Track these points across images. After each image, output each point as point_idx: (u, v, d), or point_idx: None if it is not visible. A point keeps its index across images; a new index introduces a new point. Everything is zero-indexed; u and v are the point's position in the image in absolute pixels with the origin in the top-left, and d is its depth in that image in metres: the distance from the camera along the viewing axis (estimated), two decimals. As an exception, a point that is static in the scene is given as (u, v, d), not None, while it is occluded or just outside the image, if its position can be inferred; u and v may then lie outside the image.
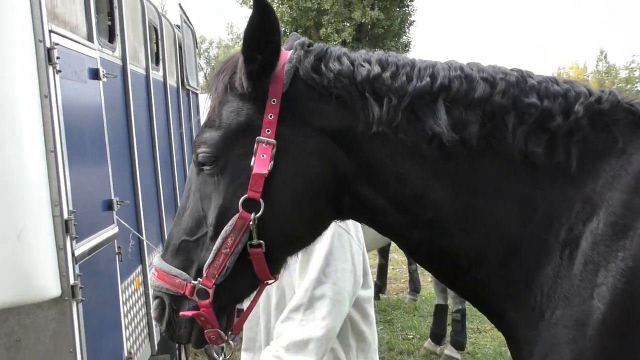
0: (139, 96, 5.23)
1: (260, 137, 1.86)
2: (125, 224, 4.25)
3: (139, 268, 4.84)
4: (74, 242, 3.13)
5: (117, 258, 3.98)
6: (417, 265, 8.74)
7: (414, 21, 34.53)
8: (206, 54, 68.99)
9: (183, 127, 7.30)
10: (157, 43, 6.32)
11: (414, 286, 8.65)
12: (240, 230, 1.85)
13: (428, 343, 6.60)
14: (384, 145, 1.87)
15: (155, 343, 4.99)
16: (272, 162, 1.85)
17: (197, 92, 8.84)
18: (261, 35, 1.85)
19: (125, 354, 4.01)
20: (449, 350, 6.30)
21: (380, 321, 7.66)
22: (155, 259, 2.08)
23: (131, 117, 4.75)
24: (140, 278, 4.84)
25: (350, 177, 1.92)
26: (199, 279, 1.93)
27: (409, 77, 1.88)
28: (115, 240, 3.95)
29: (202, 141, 1.94)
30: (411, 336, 7.18)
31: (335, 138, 1.89)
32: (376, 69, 1.89)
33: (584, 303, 1.68)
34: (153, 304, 2.02)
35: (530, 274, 1.82)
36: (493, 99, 1.83)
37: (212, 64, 68.96)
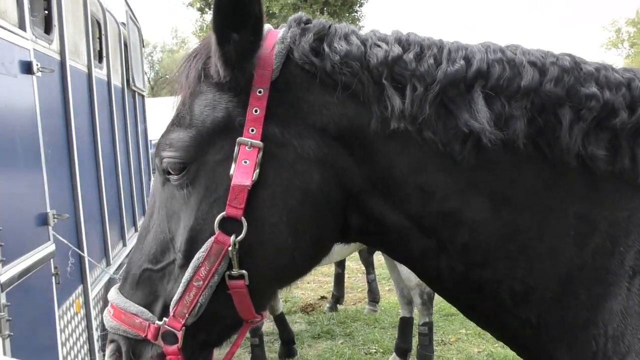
0: (80, 96, 4.72)
1: (242, 138, 1.48)
2: (64, 240, 3.75)
3: (80, 288, 4.32)
4: (-1, 265, 2.63)
5: (53, 280, 3.48)
6: (375, 274, 8.51)
7: (363, 26, 34.57)
8: (150, 57, 67.39)
9: (129, 131, 6.76)
10: (100, 39, 5.80)
11: (373, 296, 8.33)
12: (217, 258, 1.48)
13: (393, 358, 6.27)
14: (405, 147, 1.49)
15: (99, 371, 4.48)
16: (257, 171, 1.47)
17: (144, 94, 8.29)
18: (236, 6, 1.44)
19: (64, 388, 3.51)
20: (415, 365, 5.99)
21: (340, 334, 7.31)
22: (111, 293, 1.67)
23: (70, 119, 4.23)
24: (81, 300, 4.32)
25: (360, 191, 1.54)
26: (164, 318, 1.55)
27: (438, 60, 1.50)
28: (52, 260, 3.46)
29: (168, 143, 1.55)
30: (374, 350, 6.84)
31: (342, 140, 1.51)
32: (396, 50, 1.51)
33: None
34: (108, 349, 1.65)
35: (590, 311, 1.46)
36: (543, 88, 1.47)
37: (156, 69, 67.47)
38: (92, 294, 4.44)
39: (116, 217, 5.74)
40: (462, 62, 1.49)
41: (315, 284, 9.47)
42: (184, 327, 1.53)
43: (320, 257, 1.66)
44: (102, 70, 5.70)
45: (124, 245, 5.95)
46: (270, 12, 30.28)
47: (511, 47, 1.58)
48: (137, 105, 7.65)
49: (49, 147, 3.62)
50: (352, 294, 9.22)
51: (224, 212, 1.48)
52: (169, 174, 1.55)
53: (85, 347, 4.30)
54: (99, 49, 5.80)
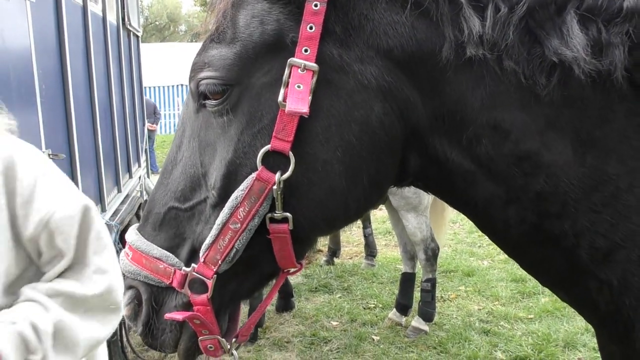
0: (75, 31, 4.40)
1: (295, 59, 1.28)
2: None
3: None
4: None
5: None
6: (372, 227, 8.37)
7: None
8: (140, 1, 65.68)
9: (124, 73, 6.43)
10: (95, -29, 5.42)
11: (370, 250, 8.22)
12: (258, 198, 1.31)
13: (393, 314, 6.17)
14: (480, 79, 1.29)
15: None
16: (310, 98, 1.27)
17: (139, 34, 7.91)
18: None
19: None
20: (416, 321, 5.89)
21: (337, 288, 7.21)
22: (129, 233, 1.48)
23: (66, 55, 3.93)
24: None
25: (424, 128, 1.35)
26: (193, 264, 1.38)
27: None
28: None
29: (207, 62, 1.34)
30: (372, 305, 6.74)
31: (408, 67, 1.30)
32: None
33: None
34: (125, 296, 1.50)
35: None
36: None
37: (146, 14, 65.82)
38: (122, 253, 4.23)
39: (111, 162, 5.49)
40: None
41: (310, 237, 9.34)
42: (215, 275, 1.36)
43: (375, 200, 1.46)
44: (97, 5, 5.34)
45: (119, 191, 5.71)
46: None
47: None
48: (133, 46, 7.29)
49: (43, 81, 3.34)
50: (348, 247, 9.12)
51: (268, 145, 1.30)
52: (206, 98, 1.35)
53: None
54: (93, -18, 5.43)
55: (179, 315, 1.39)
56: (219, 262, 1.35)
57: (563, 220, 1.33)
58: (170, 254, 1.41)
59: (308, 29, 1.29)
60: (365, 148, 1.33)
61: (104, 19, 5.48)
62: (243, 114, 1.34)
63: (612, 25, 1.24)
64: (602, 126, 1.29)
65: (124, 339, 4.47)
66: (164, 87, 25.39)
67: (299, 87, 1.28)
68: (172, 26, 67.09)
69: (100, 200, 4.87)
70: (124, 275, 1.50)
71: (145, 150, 8.11)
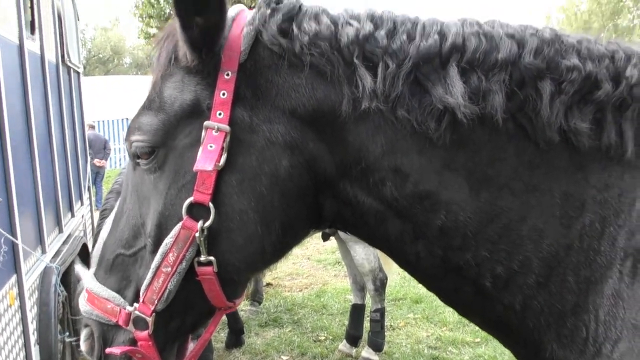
0: (11, 70, 4.31)
1: (209, 122, 1.44)
2: (-4, 227, 3.39)
3: (14, 278, 3.96)
4: None
5: (-16, 270, 3.14)
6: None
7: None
8: (82, 35, 64.76)
9: (64, 109, 6.31)
10: (32, 8, 5.33)
11: (257, 296, 7.42)
12: (185, 244, 1.46)
13: (343, 345, 6.18)
14: (378, 128, 1.43)
15: (35, 368, 4.14)
16: (224, 156, 1.42)
17: (79, 70, 7.80)
18: None
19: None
20: (366, 352, 5.92)
21: (287, 322, 7.19)
22: (86, 277, 1.69)
23: (1, 94, 3.84)
24: (15, 290, 3.97)
25: (332, 175, 1.48)
26: (135, 304, 1.56)
27: (411, 36, 1.44)
28: (-17, 249, 3.10)
29: (137, 127, 1.53)
30: (323, 337, 6.73)
31: (312, 123, 1.45)
32: (367, 28, 1.45)
33: None
34: (82, 333, 1.69)
35: (580, 296, 1.39)
36: (522, 61, 1.39)
37: (89, 47, 64.88)
38: (27, 284, 4.09)
39: (52, 202, 5.35)
40: (437, 36, 1.43)
41: (260, 270, 9.27)
42: (154, 313, 1.52)
43: (291, 245, 1.61)
44: (35, 43, 5.25)
45: (60, 231, 5.56)
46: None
47: (489, 21, 1.52)
48: (73, 82, 7.17)
49: (-22, 124, 3.25)
50: (297, 280, 9.11)
51: (191, 198, 1.45)
52: (139, 157, 1.52)
53: (20, 340, 3.96)
54: (30, 19, 5.34)
55: (117, 350, 1.55)
56: (156, 301, 1.51)
57: (465, 252, 1.45)
58: (117, 295, 1.58)
59: (221, 95, 1.45)
60: (276, 198, 1.47)
61: (42, 56, 5.39)
62: (169, 171, 1.50)
63: (490, 74, 1.39)
64: (494, 164, 1.42)
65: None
66: (111, 120, 25.00)
67: (210, 147, 1.44)
68: (117, 59, 66.33)
69: (40, 241, 4.73)
70: (82, 314, 1.66)
71: (89, 187, 7.94)
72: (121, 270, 1.61)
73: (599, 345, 1.36)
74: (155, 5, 28.32)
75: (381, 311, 5.89)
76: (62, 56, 6.50)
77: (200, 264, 1.49)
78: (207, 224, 1.45)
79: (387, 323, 6.83)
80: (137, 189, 1.59)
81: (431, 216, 1.45)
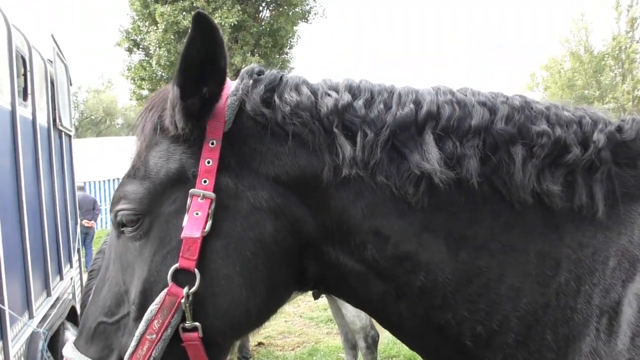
0: (2, 134, 4.39)
1: (195, 190, 1.48)
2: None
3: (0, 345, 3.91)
4: None
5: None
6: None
7: (293, 68, 34.95)
8: (75, 97, 65.48)
9: (55, 172, 6.37)
10: (25, 75, 5.47)
11: (243, 351, 7.45)
12: (170, 310, 1.46)
13: (336, 405, 6.07)
14: (358, 193, 1.48)
15: None
16: (210, 222, 1.45)
17: (71, 134, 7.90)
18: (205, 61, 1.44)
19: None
20: (360, 412, 5.81)
21: (280, 382, 7.04)
22: (66, 348, 1.66)
23: (-8, 160, 3.90)
24: (1, 358, 3.91)
25: (315, 239, 1.52)
26: None
27: (388, 105, 1.51)
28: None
29: (123, 195, 1.55)
30: (316, 398, 6.61)
31: (295, 189, 1.50)
32: (346, 98, 1.52)
33: None
34: None
35: (558, 354, 1.42)
36: (495, 127, 1.48)
37: (81, 109, 65.54)
38: (13, 350, 4.04)
39: (40, 265, 5.33)
40: (412, 105, 1.50)
41: (252, 329, 9.15)
42: None
43: (276, 307, 1.62)
44: (27, 109, 5.36)
45: (49, 295, 5.51)
46: (227, 55, 30.15)
47: (462, 89, 1.60)
48: (64, 146, 7.26)
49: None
50: (290, 338, 8.99)
51: (177, 264, 1.46)
52: (124, 226, 1.53)
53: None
54: (23, 86, 5.47)
55: None
56: None
57: (445, 312, 1.48)
58: None
59: (206, 163, 1.49)
60: (261, 262, 1.49)
61: (33, 121, 5.49)
62: (155, 238, 1.51)
63: (465, 140, 1.47)
64: (472, 226, 1.46)
65: None
66: (102, 181, 25.03)
67: (197, 214, 1.46)
68: (109, 120, 66.93)
69: (27, 305, 4.69)
70: None
71: (78, 249, 7.91)
72: (103, 339, 1.58)
73: None
74: (147, 68, 28.89)
75: (374, 369, 5.82)
76: (54, 120, 6.61)
77: (186, 329, 1.48)
78: (193, 289, 1.46)
79: (380, 381, 6.72)
80: (120, 256, 1.58)
81: (412, 277, 1.49)
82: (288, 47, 33.89)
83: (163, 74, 28.62)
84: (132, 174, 1.58)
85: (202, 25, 1.42)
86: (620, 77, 47.76)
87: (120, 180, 1.61)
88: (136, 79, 29.12)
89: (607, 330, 1.37)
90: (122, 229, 1.56)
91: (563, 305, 1.43)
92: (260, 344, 8.50)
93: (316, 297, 5.79)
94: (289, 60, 34.39)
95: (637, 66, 47.28)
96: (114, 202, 1.59)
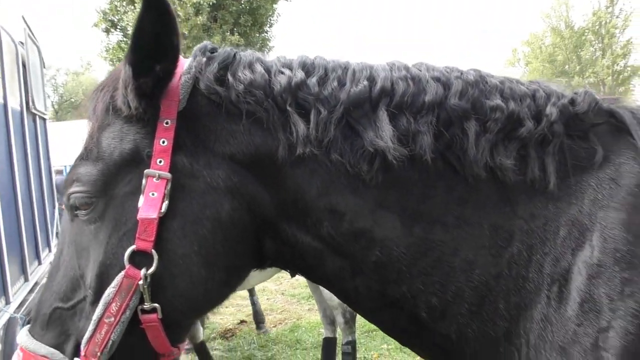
0: (-28, 120, 4.35)
1: (150, 170, 1.46)
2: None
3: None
4: None
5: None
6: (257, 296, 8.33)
7: (273, 47, 34.65)
8: (54, 80, 64.49)
9: (29, 156, 6.33)
10: (-6, 58, 5.40)
11: (258, 318, 8.19)
12: (128, 293, 1.45)
13: (316, 380, 6.17)
14: (313, 171, 1.49)
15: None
16: (166, 202, 1.44)
17: (45, 117, 7.83)
18: (158, 38, 1.43)
19: None
20: (339, 385, 5.91)
21: (261, 359, 7.14)
22: (20, 335, 1.60)
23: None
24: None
25: (272, 217, 1.53)
26: (76, 358, 1.49)
27: (342, 82, 1.51)
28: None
29: (75, 178, 1.53)
30: (297, 373, 6.72)
31: (251, 168, 1.50)
32: (299, 75, 1.52)
33: (586, 354, 1.35)
34: None
35: (511, 322, 1.46)
36: (448, 103, 1.49)
37: (61, 92, 64.66)
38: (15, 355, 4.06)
39: (17, 250, 5.32)
40: (366, 82, 1.51)
41: (234, 307, 9.24)
42: None
43: (235, 285, 1.63)
44: (-2, 92, 5.31)
45: (26, 280, 5.51)
46: (180, 32, 29.82)
47: (417, 64, 1.61)
48: (39, 129, 7.20)
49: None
50: (272, 315, 9.07)
51: (133, 246, 1.45)
52: (77, 209, 1.51)
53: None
54: (-7, 69, 5.41)
55: None
56: (98, 354, 1.47)
57: (400, 285, 1.51)
58: (56, 351, 1.53)
59: (161, 143, 1.48)
60: (219, 241, 1.49)
61: (5, 105, 5.44)
62: (110, 220, 1.50)
63: (418, 116, 1.48)
64: (426, 201, 1.49)
65: None
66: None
67: (152, 194, 1.45)
68: (89, 102, 65.94)
69: (3, 291, 4.70)
70: None
71: (57, 233, 7.89)
72: (59, 325, 1.56)
73: None
74: (126, 49, 28.49)
75: (352, 344, 5.91)
76: (27, 104, 6.54)
77: (144, 311, 1.48)
78: (151, 270, 1.45)
79: (360, 355, 6.84)
80: (75, 240, 1.56)
81: (367, 252, 1.51)
82: (268, 25, 33.58)
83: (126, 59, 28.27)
84: (85, 156, 1.56)
85: (154, 1, 1.40)
86: (600, 52, 48.09)
87: (73, 164, 1.60)
88: (115, 60, 28.71)
89: (557, 298, 1.42)
90: (76, 212, 1.54)
91: (515, 275, 1.47)
92: (242, 322, 8.59)
93: (293, 274, 5.84)
94: (269, 39, 34.10)
95: (616, 41, 47.57)
96: (67, 186, 1.57)
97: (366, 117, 1.49)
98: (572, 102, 1.56)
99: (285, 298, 9.93)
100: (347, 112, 1.49)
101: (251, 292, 8.02)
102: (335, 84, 1.52)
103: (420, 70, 1.57)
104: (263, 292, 9.48)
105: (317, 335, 7.82)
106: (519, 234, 1.47)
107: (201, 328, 6.25)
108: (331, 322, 6.17)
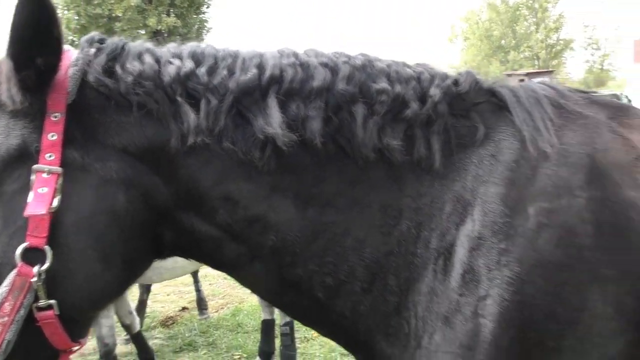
0: None
1: (38, 165, 1.41)
2: None
3: None
4: None
5: None
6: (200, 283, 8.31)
7: (210, 28, 34.16)
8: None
9: None
10: None
11: (202, 304, 8.20)
12: (22, 291, 1.40)
13: (257, 362, 6.21)
14: (206, 160, 1.49)
15: None
16: (58, 197, 1.40)
17: None
18: (38, 30, 1.38)
19: None
20: (279, 366, 5.97)
21: (202, 345, 7.12)
22: None
23: None
24: None
25: (168, 207, 1.52)
26: None
27: (231, 71, 1.52)
28: None
29: None
30: (237, 356, 6.73)
31: (144, 159, 1.48)
32: (188, 65, 1.51)
33: (467, 322, 1.42)
34: None
35: (401, 296, 1.52)
36: (336, 87, 1.52)
37: None
38: None
39: None
40: (255, 70, 1.51)
41: (175, 295, 9.17)
42: None
43: (134, 277, 1.62)
44: None
45: None
46: (114, 15, 29.00)
47: (307, 50, 1.63)
48: None
49: None
50: (213, 300, 9.03)
51: (26, 243, 1.40)
52: None
53: None
54: None
55: None
56: None
57: (296, 268, 1.54)
58: None
59: (50, 137, 1.43)
60: (115, 233, 1.47)
61: None
62: None
63: (307, 102, 1.50)
64: (318, 185, 1.52)
65: None
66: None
67: (42, 190, 1.41)
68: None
69: None
70: None
71: None
72: None
73: (419, 338, 1.50)
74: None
75: (290, 324, 5.96)
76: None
77: (40, 308, 1.44)
78: (44, 267, 1.42)
79: (300, 335, 6.91)
80: None
81: (263, 238, 1.53)
82: (205, 6, 33.04)
83: (74, 39, 27.34)
84: None
85: None
86: (534, 26, 49.49)
87: None
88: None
89: (442, 271, 1.48)
90: None
91: (404, 252, 1.52)
92: (184, 308, 8.52)
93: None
94: (207, 20, 33.58)
95: (549, 15, 49.04)
96: None
97: (256, 104, 1.50)
98: (456, 82, 1.61)
99: (227, 282, 9.87)
100: (237, 101, 1.49)
101: (195, 278, 7.98)
102: (225, 72, 1.52)
103: (309, 57, 1.59)
104: (205, 278, 9.41)
105: (258, 318, 7.81)
106: (407, 212, 1.52)
107: (137, 318, 6.16)
108: (268, 304, 6.18)
